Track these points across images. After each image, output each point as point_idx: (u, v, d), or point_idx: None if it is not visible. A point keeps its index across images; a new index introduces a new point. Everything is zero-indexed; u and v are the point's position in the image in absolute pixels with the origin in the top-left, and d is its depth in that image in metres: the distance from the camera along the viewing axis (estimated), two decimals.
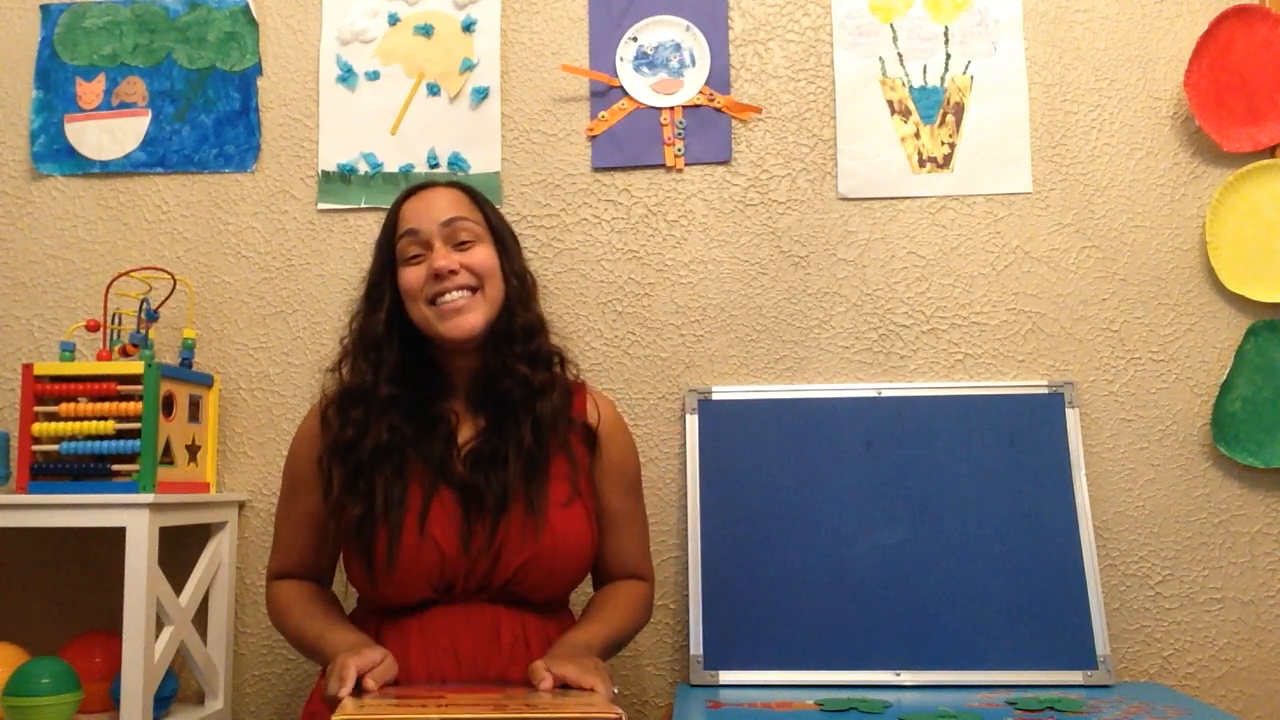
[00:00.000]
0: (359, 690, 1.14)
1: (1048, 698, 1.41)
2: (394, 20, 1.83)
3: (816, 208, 1.76)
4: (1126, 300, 1.71)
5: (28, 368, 1.59)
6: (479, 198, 1.46)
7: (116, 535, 1.48)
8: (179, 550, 1.67)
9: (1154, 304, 1.71)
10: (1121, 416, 1.69)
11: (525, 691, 1.16)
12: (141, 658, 1.44)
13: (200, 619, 1.65)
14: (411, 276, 1.37)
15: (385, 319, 1.39)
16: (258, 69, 1.84)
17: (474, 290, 1.37)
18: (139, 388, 1.56)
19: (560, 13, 1.82)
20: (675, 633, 1.69)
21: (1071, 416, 1.64)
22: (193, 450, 1.67)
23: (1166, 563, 1.66)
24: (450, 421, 1.39)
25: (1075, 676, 1.52)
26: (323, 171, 1.81)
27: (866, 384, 1.70)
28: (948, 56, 1.76)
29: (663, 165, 1.78)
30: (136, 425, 1.55)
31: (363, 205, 1.80)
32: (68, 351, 1.64)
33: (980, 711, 1.33)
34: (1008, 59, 1.76)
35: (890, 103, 1.76)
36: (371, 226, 1.76)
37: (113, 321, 1.68)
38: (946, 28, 1.77)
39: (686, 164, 1.78)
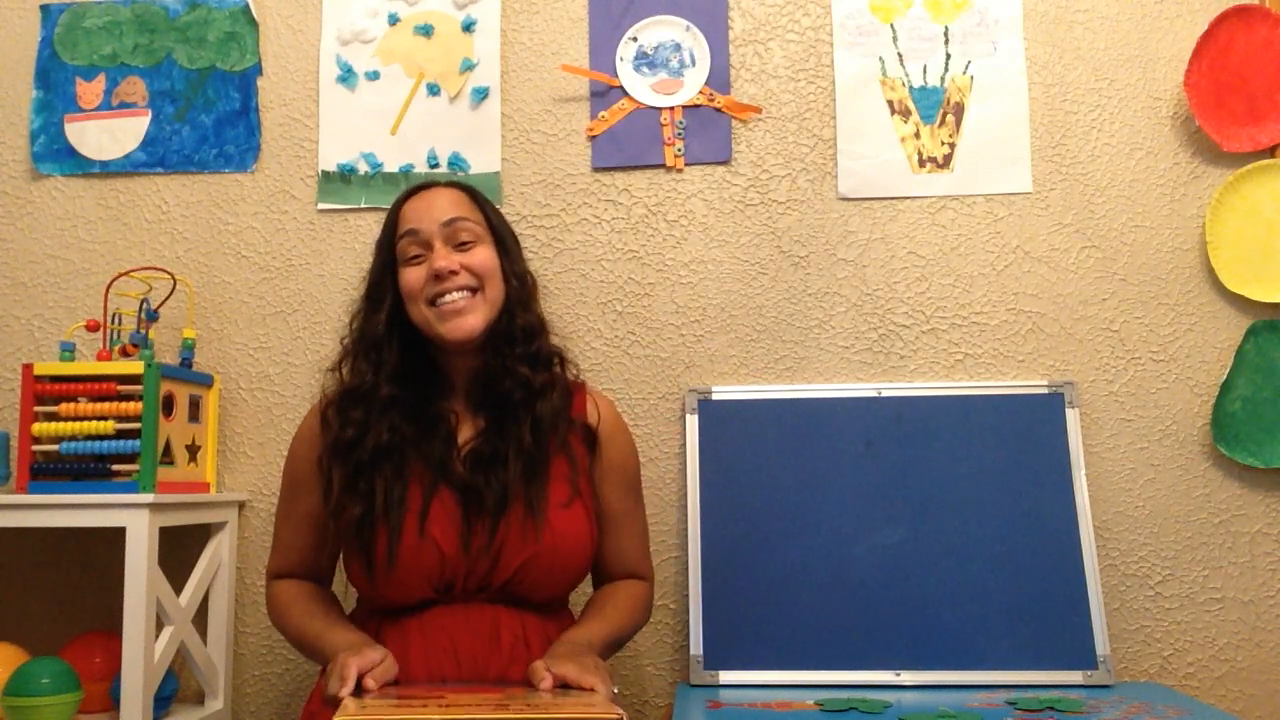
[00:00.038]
0: (359, 690, 1.14)
1: (1048, 698, 1.41)
2: (394, 20, 1.83)
3: (816, 208, 1.76)
4: (1126, 300, 1.71)
5: (28, 368, 1.59)
6: (479, 198, 1.46)
7: (116, 535, 1.48)
8: (179, 550, 1.67)
9: (1154, 304, 1.71)
10: (1121, 416, 1.69)
11: (525, 691, 1.16)
12: (141, 658, 1.44)
13: (200, 619, 1.65)
14: (412, 277, 1.37)
15: (386, 319, 1.39)
16: (258, 69, 1.84)
17: (474, 291, 1.37)
18: (139, 388, 1.56)
19: (560, 13, 1.82)
20: (675, 633, 1.69)
21: (1071, 416, 1.64)
22: (193, 450, 1.67)
23: (1166, 563, 1.66)
24: (450, 422, 1.39)
25: (1075, 676, 1.52)
26: (323, 171, 1.81)
27: (866, 384, 1.70)
28: (948, 56, 1.77)
29: (663, 165, 1.78)
30: (136, 425, 1.55)
31: (363, 205, 1.80)
32: (68, 351, 1.64)
33: (980, 711, 1.33)
34: (1008, 59, 1.76)
35: (890, 103, 1.76)
36: (371, 226, 1.76)
37: (113, 321, 1.68)
38: (946, 28, 1.77)
39: (686, 164, 1.78)
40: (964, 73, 1.76)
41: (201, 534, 1.69)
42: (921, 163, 1.75)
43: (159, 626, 1.51)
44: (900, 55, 1.77)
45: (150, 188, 1.84)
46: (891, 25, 1.78)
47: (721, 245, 1.76)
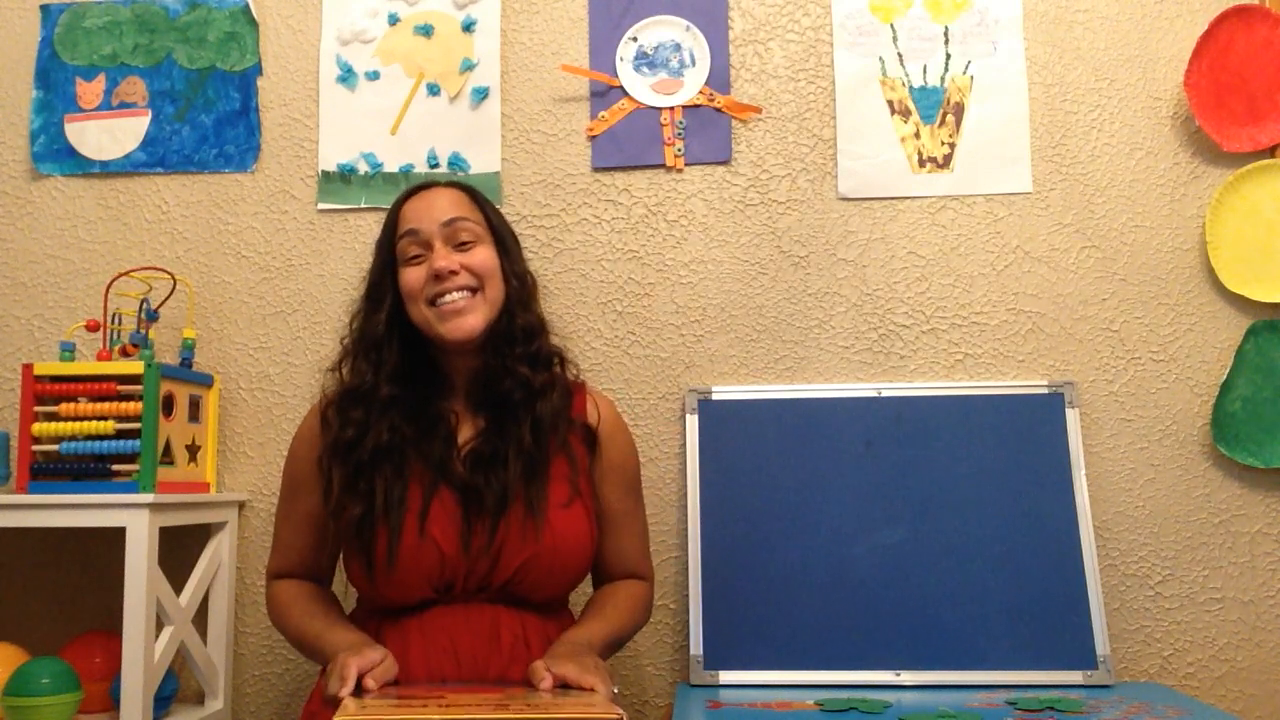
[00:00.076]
0: (359, 690, 1.14)
1: (1048, 698, 1.41)
2: (394, 20, 1.83)
3: (816, 208, 1.76)
4: (1126, 300, 1.71)
5: (28, 368, 1.59)
6: (480, 198, 1.46)
7: (116, 535, 1.48)
8: (179, 550, 1.67)
9: (1154, 304, 1.71)
10: (1121, 416, 1.69)
11: (525, 691, 1.16)
12: (141, 658, 1.44)
13: (200, 619, 1.65)
14: (412, 277, 1.37)
15: (386, 319, 1.39)
16: (258, 69, 1.84)
17: (474, 291, 1.37)
18: (139, 388, 1.56)
19: (560, 13, 1.82)
20: (675, 633, 1.69)
21: (1071, 416, 1.64)
22: (193, 450, 1.67)
23: (1166, 563, 1.66)
24: (450, 422, 1.39)
25: (1075, 676, 1.52)
26: (323, 171, 1.81)
27: (866, 384, 1.70)
28: (948, 56, 1.76)
29: (663, 165, 1.78)
30: (136, 425, 1.55)
31: (363, 205, 1.80)
32: (68, 351, 1.64)
33: (980, 711, 1.33)
34: (1008, 59, 1.76)
35: (890, 103, 1.76)
36: (371, 226, 1.76)
37: (113, 321, 1.68)
38: (946, 28, 1.77)
39: (686, 164, 1.78)
40: (964, 73, 1.76)
41: (201, 534, 1.69)
42: (921, 163, 1.75)
43: (159, 626, 1.51)
44: (900, 55, 1.77)
45: (150, 188, 1.84)
46: (891, 25, 1.78)
47: (721, 245, 1.76)
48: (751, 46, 1.79)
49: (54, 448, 1.55)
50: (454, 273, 1.35)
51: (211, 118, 1.84)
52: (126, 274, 1.73)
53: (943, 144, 1.75)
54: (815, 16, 1.79)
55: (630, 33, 1.80)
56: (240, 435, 1.78)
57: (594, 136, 1.79)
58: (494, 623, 1.32)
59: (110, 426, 1.55)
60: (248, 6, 1.85)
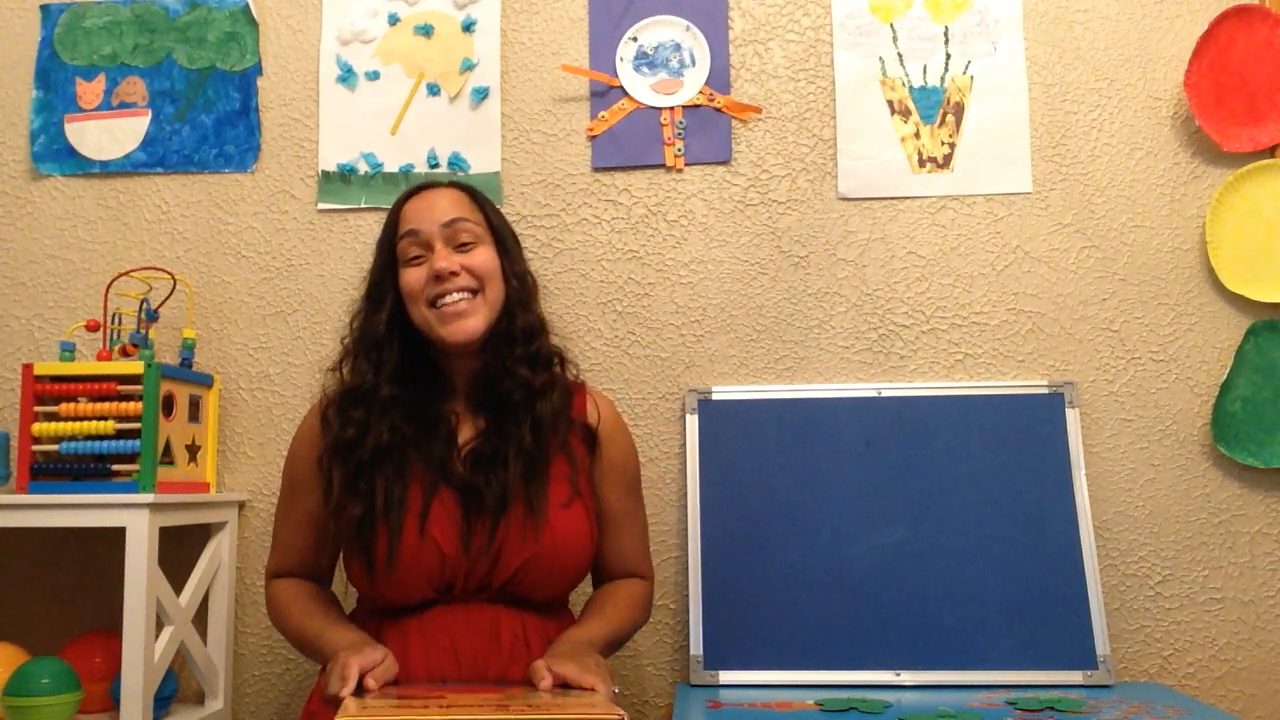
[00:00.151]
0: (360, 690, 1.14)
1: (1048, 698, 1.41)
2: (394, 20, 1.83)
3: (816, 208, 1.76)
4: (1126, 300, 1.71)
5: (28, 368, 1.59)
6: (480, 198, 1.46)
7: (116, 535, 1.48)
8: (179, 550, 1.67)
9: (1154, 304, 1.71)
10: (1121, 416, 1.69)
11: (526, 691, 1.16)
12: (141, 658, 1.44)
13: (200, 619, 1.65)
14: (412, 278, 1.37)
15: (387, 319, 1.39)
16: (258, 69, 1.84)
17: (475, 292, 1.37)
18: (139, 388, 1.56)
19: (560, 13, 1.82)
20: (675, 633, 1.69)
21: (1071, 416, 1.64)
22: (193, 450, 1.67)
23: (1166, 563, 1.66)
24: (450, 422, 1.39)
25: (1075, 676, 1.52)
26: (323, 171, 1.81)
27: (866, 384, 1.70)
28: (948, 56, 1.77)
29: (663, 165, 1.78)
30: (136, 425, 1.55)
31: (363, 205, 1.80)
32: (68, 351, 1.64)
33: (980, 711, 1.33)
34: (1008, 59, 1.76)
35: (890, 103, 1.76)
36: (371, 226, 1.76)
37: (113, 321, 1.68)
38: (946, 28, 1.77)
39: (686, 164, 1.78)
40: (964, 73, 1.76)
41: (201, 534, 1.69)
42: (921, 163, 1.75)
43: (159, 626, 1.51)
44: (900, 55, 1.77)
45: (150, 188, 1.84)
46: (891, 25, 1.78)
47: (721, 245, 1.76)
48: (751, 46, 1.79)
49: (54, 448, 1.55)
50: (454, 274, 1.35)
51: (211, 118, 1.84)
52: (126, 274, 1.73)
53: (943, 144, 1.75)
54: (815, 16, 1.79)
55: (630, 33, 1.80)
56: (240, 435, 1.78)
57: (594, 136, 1.79)
58: (494, 623, 1.32)
59: (110, 426, 1.55)
60: (248, 6, 1.85)
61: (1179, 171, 1.73)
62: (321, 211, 1.81)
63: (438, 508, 1.32)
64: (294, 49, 1.85)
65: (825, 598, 1.58)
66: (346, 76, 1.82)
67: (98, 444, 1.54)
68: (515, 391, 1.37)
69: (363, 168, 1.81)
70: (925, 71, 1.76)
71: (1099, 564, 1.59)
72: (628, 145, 1.78)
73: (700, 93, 1.78)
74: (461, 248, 1.38)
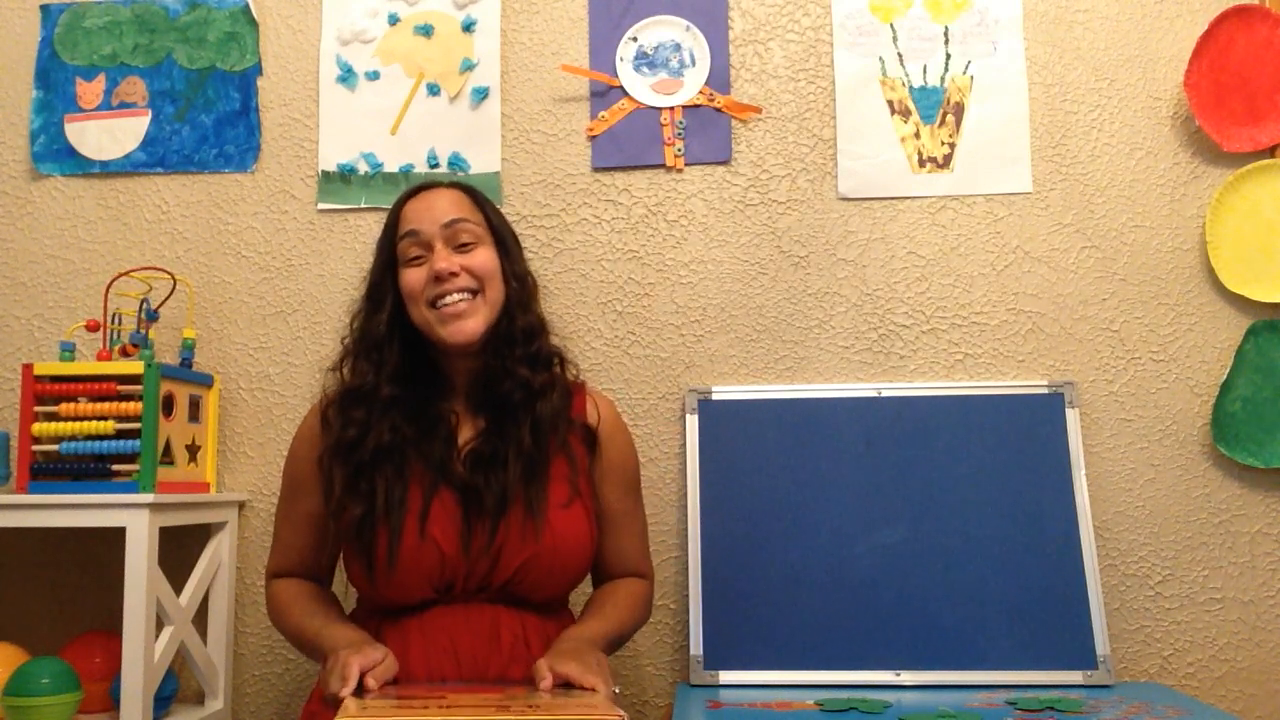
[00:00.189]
0: (360, 690, 1.14)
1: (1048, 698, 1.41)
2: (394, 20, 1.83)
3: (816, 208, 1.76)
4: (1126, 300, 1.71)
5: (28, 368, 1.59)
6: (480, 199, 1.46)
7: (116, 535, 1.48)
8: (179, 550, 1.67)
9: (1154, 304, 1.71)
10: (1121, 416, 1.69)
11: (526, 691, 1.16)
12: (141, 658, 1.44)
13: (200, 619, 1.65)
14: (412, 278, 1.37)
15: (387, 320, 1.39)
16: (258, 69, 1.84)
17: (474, 293, 1.37)
18: (139, 388, 1.56)
19: (560, 13, 1.82)
20: (675, 633, 1.69)
21: (1071, 416, 1.64)
22: (193, 450, 1.67)
23: (1166, 563, 1.66)
24: (450, 422, 1.39)
25: (1075, 676, 1.52)
26: (323, 171, 1.81)
27: (866, 384, 1.70)
28: (948, 56, 1.77)
29: (663, 165, 1.78)
30: (136, 425, 1.55)
31: (363, 205, 1.80)
32: (68, 351, 1.64)
33: (980, 711, 1.33)
34: (1008, 59, 1.76)
35: (890, 103, 1.76)
36: (371, 226, 1.76)
37: (113, 321, 1.68)
38: (946, 28, 1.77)
39: (686, 164, 1.78)
40: (964, 73, 1.76)
41: (201, 534, 1.69)
42: (921, 163, 1.75)
43: (159, 626, 1.51)
44: (900, 55, 1.77)
45: (150, 188, 1.84)
46: (891, 25, 1.78)
47: (721, 245, 1.76)
48: (751, 46, 1.79)
49: (54, 448, 1.55)
50: (454, 274, 1.35)
51: (211, 118, 1.84)
52: (126, 274, 1.73)
53: (943, 144, 1.75)
54: (815, 16, 1.79)
55: (630, 33, 1.80)
56: (240, 435, 1.78)
57: (594, 136, 1.79)
58: (494, 623, 1.32)
59: (110, 426, 1.55)
60: (248, 6, 1.85)
61: (1179, 171, 1.73)
62: (321, 211, 1.81)
63: (438, 508, 1.32)
64: (294, 49, 1.85)
65: (825, 598, 1.58)
66: (346, 76, 1.82)
67: (98, 444, 1.54)
68: (515, 392, 1.37)
69: (363, 168, 1.81)
70: (925, 71, 1.76)
71: (1099, 564, 1.59)
72: (628, 145, 1.78)
73: (700, 93, 1.78)
74: (462, 248, 1.38)
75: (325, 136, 1.82)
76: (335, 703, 1.11)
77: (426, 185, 1.45)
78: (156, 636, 1.50)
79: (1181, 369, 1.69)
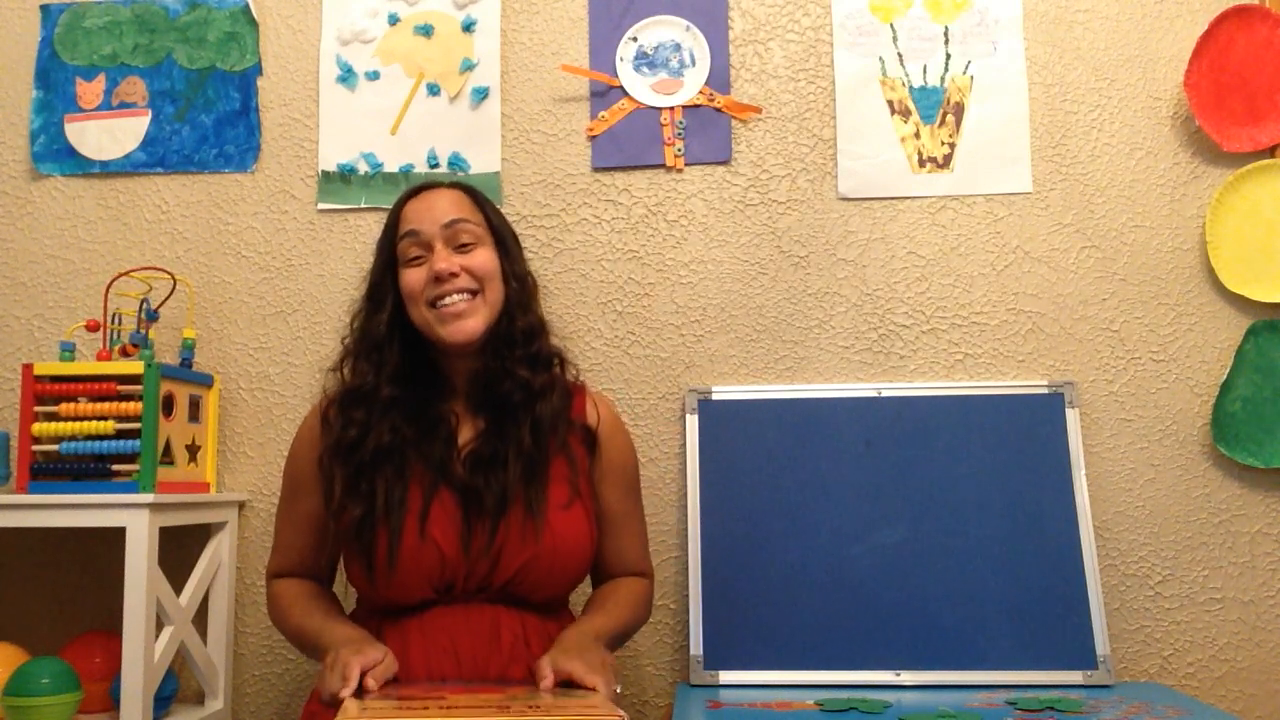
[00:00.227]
0: (360, 690, 1.14)
1: (1048, 698, 1.41)
2: (394, 20, 1.83)
3: (816, 208, 1.76)
4: (1126, 300, 1.71)
5: (28, 368, 1.59)
6: (481, 199, 1.46)
7: (116, 535, 1.48)
8: (179, 550, 1.67)
9: (1154, 304, 1.71)
10: (1121, 416, 1.69)
11: (526, 691, 1.16)
12: (141, 658, 1.44)
13: (200, 619, 1.65)
14: (412, 278, 1.37)
15: (387, 320, 1.39)
16: (258, 69, 1.84)
17: (474, 293, 1.37)
18: (139, 388, 1.56)
19: (560, 13, 1.82)
20: (675, 633, 1.69)
21: (1071, 416, 1.64)
22: (193, 450, 1.67)
23: (1166, 563, 1.66)
24: (450, 423, 1.39)
25: (1075, 676, 1.52)
26: (323, 171, 1.81)
27: (866, 384, 1.70)
28: (948, 56, 1.76)
29: (663, 165, 1.78)
30: (136, 425, 1.55)
31: (363, 205, 1.80)
32: (68, 351, 1.64)
33: (980, 711, 1.33)
34: (1008, 59, 1.76)
35: (890, 103, 1.76)
36: (371, 226, 1.76)
37: (113, 321, 1.68)
38: (946, 28, 1.77)
39: (686, 164, 1.78)
40: (964, 73, 1.76)
41: (201, 534, 1.69)
42: (921, 163, 1.75)
43: (159, 626, 1.51)
44: (900, 55, 1.77)
45: (150, 188, 1.84)
46: (891, 25, 1.78)
47: (721, 245, 1.76)
48: (751, 46, 1.79)
49: (54, 448, 1.55)
50: (454, 275, 1.35)
51: (211, 118, 1.84)
52: (126, 274, 1.73)
53: (943, 144, 1.75)
54: (815, 16, 1.79)
55: (630, 33, 1.80)
56: (240, 435, 1.78)
57: (594, 136, 1.79)
58: (494, 623, 1.32)
59: (110, 426, 1.55)
60: (248, 6, 1.85)
61: (1179, 171, 1.73)
62: (321, 211, 1.81)
63: (438, 509, 1.32)
64: (294, 49, 1.85)
65: (825, 598, 1.58)
66: (346, 76, 1.82)
67: (98, 444, 1.54)
68: (515, 393, 1.37)
69: (363, 168, 1.81)
70: (925, 71, 1.76)
71: (1099, 564, 1.59)
72: (628, 145, 1.78)
73: (700, 93, 1.78)
74: (462, 249, 1.38)
75: (325, 136, 1.82)
76: (335, 703, 1.11)
77: (427, 185, 1.45)
78: (156, 636, 1.50)
79: (1181, 369, 1.69)
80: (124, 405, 1.56)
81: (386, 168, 1.80)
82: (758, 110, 1.78)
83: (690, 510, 1.63)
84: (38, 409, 1.58)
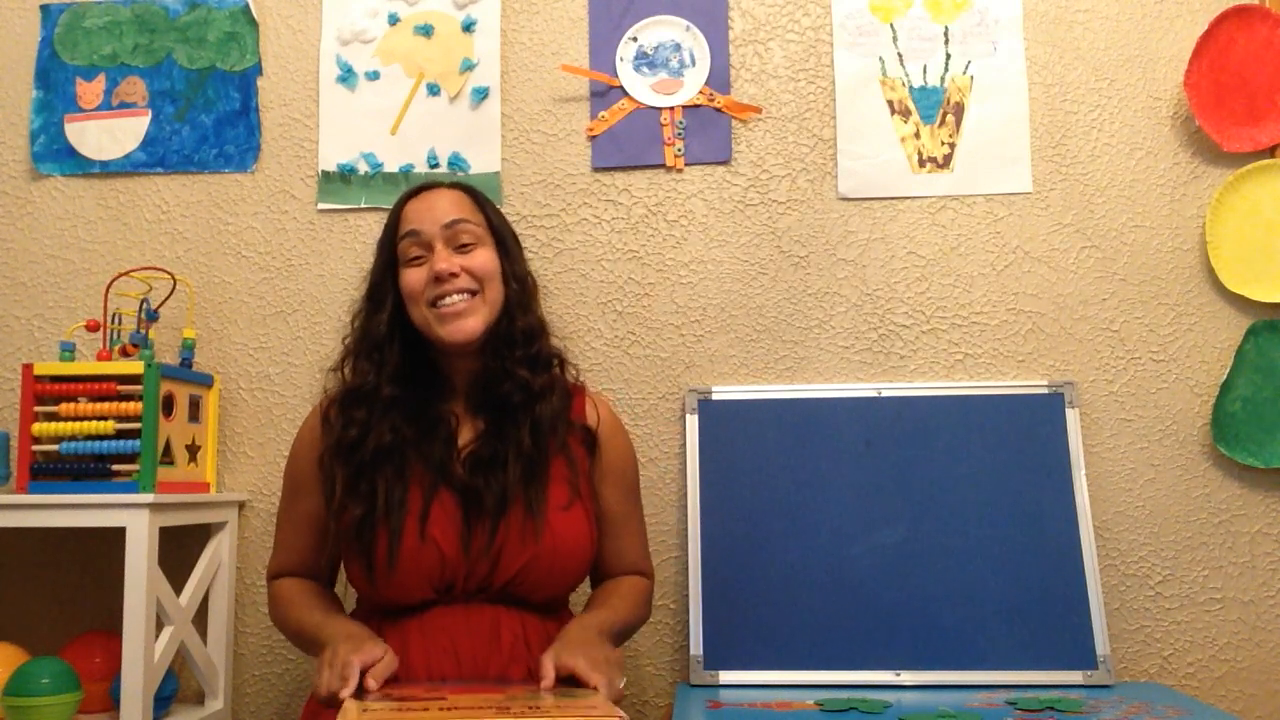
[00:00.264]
0: (361, 689, 1.14)
1: (1048, 698, 1.41)
2: (394, 20, 1.83)
3: (816, 208, 1.76)
4: (1126, 300, 1.71)
5: (28, 368, 1.59)
6: (481, 199, 1.46)
7: (116, 535, 1.48)
8: (179, 550, 1.67)
9: (1154, 304, 1.71)
10: (1121, 416, 1.69)
11: (527, 691, 1.16)
12: (141, 658, 1.44)
13: (200, 619, 1.65)
14: (413, 278, 1.37)
15: (388, 320, 1.39)
16: (258, 69, 1.84)
17: (474, 294, 1.37)
18: (139, 388, 1.56)
19: (560, 13, 1.82)
20: (675, 633, 1.69)
21: (1071, 416, 1.64)
22: (193, 450, 1.67)
23: (1166, 563, 1.66)
24: (450, 423, 1.39)
25: (1075, 676, 1.52)
26: (323, 171, 1.81)
27: (866, 384, 1.70)
28: (948, 56, 1.77)
29: (663, 165, 1.78)
30: (136, 425, 1.55)
31: (363, 205, 1.80)
32: (68, 351, 1.64)
33: (980, 711, 1.33)
34: (1008, 59, 1.76)
35: (890, 103, 1.76)
36: (371, 226, 1.76)
37: (113, 321, 1.68)
38: (946, 28, 1.77)
39: (686, 164, 1.78)
40: (964, 73, 1.76)
41: (201, 534, 1.69)
42: (921, 163, 1.75)
43: (159, 626, 1.51)
44: (900, 55, 1.77)
45: (150, 188, 1.84)
46: (891, 25, 1.78)
47: (721, 245, 1.76)
48: (751, 46, 1.79)
49: (54, 448, 1.55)
50: (454, 275, 1.35)
51: (211, 118, 1.84)
52: (126, 274, 1.73)
53: (943, 144, 1.75)
54: (815, 16, 1.79)
55: (630, 33, 1.80)
56: (240, 435, 1.78)
57: (594, 136, 1.79)
58: (494, 623, 1.32)
59: (110, 426, 1.55)
60: (248, 6, 1.85)
61: (1179, 171, 1.73)
62: (321, 211, 1.81)
63: (438, 509, 1.32)
64: (294, 49, 1.85)
65: (825, 598, 1.58)
66: (346, 76, 1.82)
67: (98, 444, 1.54)
68: (515, 393, 1.37)
69: (363, 168, 1.81)
70: (925, 71, 1.76)
71: (1099, 564, 1.59)
72: (628, 145, 1.78)
73: (700, 93, 1.78)
74: (462, 249, 1.38)
75: (325, 136, 1.82)
76: (334, 703, 1.11)
77: (427, 185, 1.45)
78: (156, 636, 1.50)
79: (1181, 369, 1.69)
80: (124, 405, 1.56)
81: (386, 168, 1.80)
82: (758, 110, 1.78)
83: (690, 510, 1.63)
84: (38, 409, 1.58)
